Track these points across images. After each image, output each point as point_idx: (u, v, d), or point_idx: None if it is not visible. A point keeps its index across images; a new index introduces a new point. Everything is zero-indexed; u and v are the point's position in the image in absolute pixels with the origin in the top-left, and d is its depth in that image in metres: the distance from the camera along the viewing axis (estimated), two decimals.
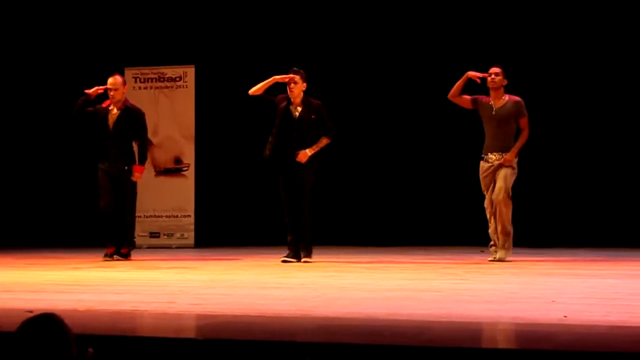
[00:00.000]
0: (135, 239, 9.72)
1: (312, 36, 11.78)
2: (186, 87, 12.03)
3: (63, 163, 12.46)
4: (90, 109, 9.16)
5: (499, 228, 8.52)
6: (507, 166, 8.53)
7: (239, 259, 9.19)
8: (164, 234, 11.93)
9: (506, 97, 8.65)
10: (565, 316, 4.33)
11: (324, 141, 8.68)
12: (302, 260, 8.52)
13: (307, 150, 8.58)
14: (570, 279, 6.72)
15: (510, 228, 8.52)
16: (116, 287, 6.25)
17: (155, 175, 11.93)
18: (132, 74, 11.94)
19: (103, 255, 9.07)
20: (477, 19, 11.31)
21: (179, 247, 11.66)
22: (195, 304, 5.16)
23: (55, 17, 12.57)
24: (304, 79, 8.65)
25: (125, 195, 9.12)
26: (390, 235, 11.35)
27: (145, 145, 9.34)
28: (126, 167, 9.09)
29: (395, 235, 11.31)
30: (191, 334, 4.14)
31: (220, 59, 12.14)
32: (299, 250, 8.58)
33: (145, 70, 12.11)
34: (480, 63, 8.89)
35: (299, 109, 8.64)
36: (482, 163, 8.67)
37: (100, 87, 9.17)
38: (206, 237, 11.93)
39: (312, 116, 8.62)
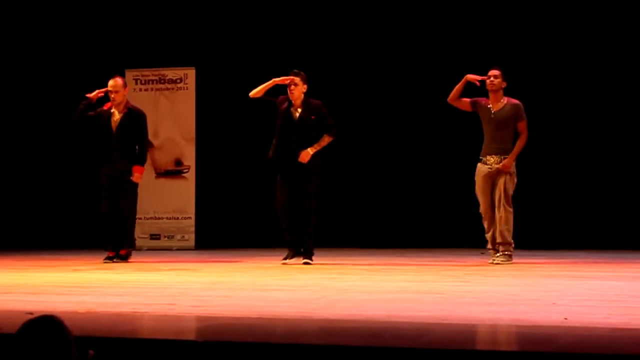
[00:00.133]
0: (135, 241, 9.70)
1: (313, 39, 11.79)
2: (187, 88, 12.04)
3: (63, 166, 12.46)
4: (91, 113, 9.12)
5: (499, 237, 8.50)
6: (505, 172, 8.52)
7: (240, 261, 9.18)
8: (165, 236, 11.93)
9: (505, 100, 8.64)
10: (565, 318, 4.32)
11: (325, 139, 8.67)
12: (303, 262, 8.51)
13: (308, 150, 8.57)
14: (572, 281, 6.72)
15: (511, 239, 8.50)
16: (116, 289, 6.24)
17: (156, 177, 11.94)
18: (133, 76, 11.94)
19: (104, 258, 9.05)
20: (477, 22, 11.32)
21: (179, 249, 11.66)
22: (195, 306, 5.15)
23: (55, 19, 12.57)
24: (305, 81, 8.64)
25: (126, 197, 9.10)
26: (391, 237, 11.35)
27: (146, 146, 9.31)
28: (129, 170, 9.06)
29: (396, 237, 11.31)
30: (191, 336, 4.13)
31: (221, 61, 12.15)
32: (299, 246, 8.56)
33: (146, 71, 12.12)
34: (479, 66, 8.88)
35: (299, 110, 8.64)
36: (479, 165, 8.66)
37: (101, 89, 9.15)
38: (207, 239, 11.93)
39: (312, 117, 8.61)
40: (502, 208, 8.49)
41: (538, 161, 10.84)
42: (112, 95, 9.07)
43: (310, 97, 8.71)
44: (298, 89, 8.60)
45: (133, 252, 9.33)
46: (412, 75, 11.44)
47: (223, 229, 12.03)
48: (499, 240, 8.52)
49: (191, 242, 11.91)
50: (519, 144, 8.57)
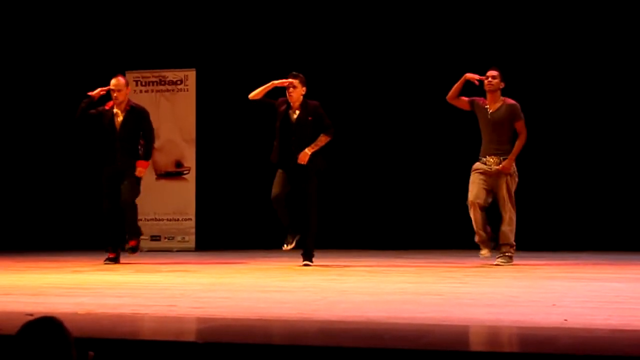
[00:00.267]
0: (140, 229, 9.56)
1: (312, 40, 11.80)
2: (187, 90, 12.04)
3: (64, 166, 12.47)
4: (93, 111, 9.11)
5: (502, 238, 8.49)
6: (505, 174, 8.52)
7: (240, 263, 9.18)
8: (165, 237, 11.93)
9: (502, 101, 8.64)
10: (565, 320, 4.32)
11: (322, 139, 8.63)
12: (303, 264, 8.52)
13: (306, 150, 8.54)
14: (572, 282, 6.71)
15: (513, 240, 8.50)
16: (116, 291, 6.24)
17: (156, 178, 11.94)
18: (133, 77, 11.95)
19: (104, 260, 9.05)
20: (475, 22, 11.33)
21: (179, 251, 11.67)
22: (195, 307, 5.15)
23: (56, 20, 12.58)
24: (303, 83, 8.63)
25: (127, 189, 9.04)
26: (390, 238, 11.35)
27: (152, 141, 9.21)
28: (131, 168, 9.03)
29: (395, 239, 11.31)
30: (191, 338, 4.13)
31: (221, 62, 12.15)
32: (293, 233, 8.57)
33: (147, 73, 12.13)
34: (477, 66, 8.89)
35: (297, 112, 8.63)
36: (478, 163, 8.67)
37: (104, 88, 9.14)
38: (207, 240, 11.93)
39: (309, 118, 8.60)
40: (507, 208, 8.49)
41: (539, 162, 10.85)
42: (115, 94, 9.05)
43: (309, 99, 8.71)
44: (297, 92, 8.60)
45: (133, 255, 9.31)
46: (412, 77, 11.45)
47: (223, 231, 12.04)
48: (500, 241, 8.52)
49: (191, 244, 11.91)
50: (518, 145, 8.56)
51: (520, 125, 8.58)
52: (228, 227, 12.01)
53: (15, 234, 12.37)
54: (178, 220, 11.97)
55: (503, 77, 8.64)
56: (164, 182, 12.00)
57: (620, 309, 4.95)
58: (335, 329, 4.18)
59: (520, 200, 8.96)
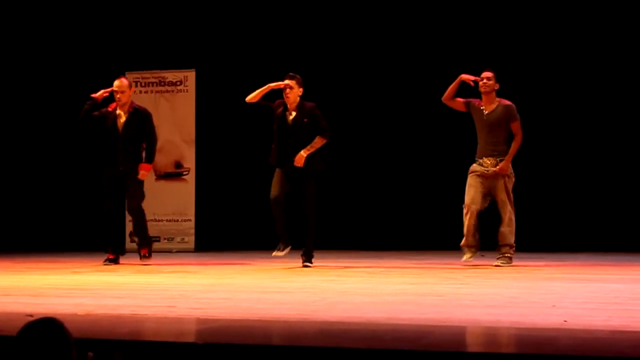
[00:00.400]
0: (152, 238, 9.55)
1: (312, 41, 11.80)
2: (187, 91, 12.04)
3: (64, 168, 12.46)
4: (96, 113, 9.10)
5: (501, 239, 8.49)
6: (502, 175, 8.52)
7: (239, 263, 9.18)
8: (165, 238, 11.92)
9: (497, 102, 8.64)
10: (565, 321, 4.32)
11: (319, 141, 8.57)
12: (303, 265, 8.52)
13: (302, 152, 8.50)
14: (572, 283, 6.71)
15: (513, 241, 8.51)
16: (116, 291, 6.24)
17: (156, 179, 11.94)
18: (133, 78, 11.92)
19: (103, 260, 9.05)
20: (470, 23, 11.33)
21: (179, 251, 11.66)
22: (195, 308, 5.15)
23: (56, 21, 12.58)
24: (300, 84, 8.60)
25: (134, 197, 9.08)
26: (390, 239, 11.35)
27: (154, 144, 9.22)
28: (133, 170, 9.04)
29: (395, 240, 11.31)
30: (191, 338, 4.13)
31: (221, 63, 12.15)
32: (287, 238, 8.55)
33: (146, 74, 12.13)
34: (472, 67, 8.89)
35: (294, 113, 8.60)
36: (475, 165, 8.67)
37: (107, 89, 9.13)
38: (206, 241, 11.93)
39: (305, 119, 8.57)
40: (507, 209, 8.49)
41: (539, 163, 10.85)
42: (118, 96, 9.04)
43: (308, 100, 8.69)
44: (293, 93, 8.57)
45: (124, 256, 9.30)
46: (412, 78, 11.45)
47: (223, 232, 12.04)
48: (500, 242, 8.52)
49: (191, 245, 11.91)
50: (515, 146, 8.55)
51: (516, 126, 8.58)
52: (227, 228, 12.01)
53: (15, 235, 12.36)
54: (177, 221, 11.97)
55: (498, 78, 8.65)
56: (163, 183, 11.99)
57: (620, 310, 4.95)
58: (335, 330, 4.18)
59: (521, 201, 8.96)
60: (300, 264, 8.54)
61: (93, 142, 10.38)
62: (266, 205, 8.63)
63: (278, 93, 8.67)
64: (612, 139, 11.02)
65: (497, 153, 8.56)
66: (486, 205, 8.60)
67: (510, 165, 8.55)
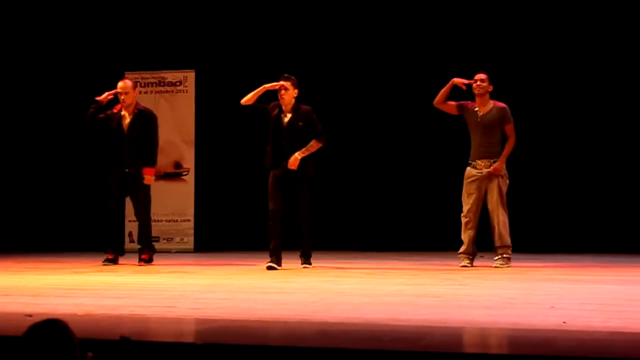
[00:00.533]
0: (154, 245, 9.57)
1: (311, 43, 11.80)
2: (186, 91, 12.05)
3: (64, 168, 12.46)
4: (101, 115, 9.09)
5: (498, 240, 8.51)
6: (497, 175, 8.53)
7: (239, 264, 9.19)
8: (164, 239, 11.92)
9: (491, 104, 8.64)
10: (564, 322, 4.33)
11: (314, 144, 8.53)
12: (302, 266, 8.51)
13: (296, 155, 8.45)
14: (570, 284, 6.72)
15: (509, 241, 8.51)
16: (115, 292, 6.24)
17: (155, 179, 11.91)
18: (133, 79, 11.92)
19: (103, 261, 9.05)
20: (464, 26, 11.33)
21: (178, 252, 11.66)
22: (194, 309, 5.16)
23: (55, 22, 12.57)
24: (295, 86, 8.57)
25: (139, 201, 9.08)
26: (389, 240, 11.35)
27: (156, 147, 9.20)
28: (139, 171, 9.03)
29: (394, 241, 11.31)
30: (190, 339, 4.14)
31: (221, 64, 12.15)
32: (281, 256, 8.49)
33: (146, 74, 12.12)
34: (465, 70, 8.89)
35: (289, 115, 8.56)
36: (469, 169, 8.67)
37: (111, 92, 9.12)
38: (206, 241, 11.93)
39: (300, 123, 8.53)
40: (500, 211, 8.50)
41: (536, 164, 10.85)
42: (122, 97, 9.04)
43: (304, 102, 8.64)
44: (288, 94, 8.54)
45: (124, 256, 9.30)
46: (410, 78, 11.44)
47: (222, 232, 12.04)
48: (497, 243, 8.53)
49: (190, 245, 11.91)
50: (508, 147, 8.56)
51: (509, 129, 8.59)
52: (227, 229, 12.00)
53: (15, 235, 12.36)
54: (177, 221, 11.97)
55: (491, 79, 8.65)
56: (162, 183, 11.98)
57: (618, 311, 4.96)
58: (334, 331, 4.19)
59: (518, 202, 8.97)
60: (299, 265, 8.53)
61: (98, 143, 10.37)
62: (265, 206, 8.62)
63: (273, 95, 8.65)
64: (609, 141, 11.02)
65: (491, 154, 8.57)
66: (480, 208, 8.61)
67: (504, 166, 8.56)
